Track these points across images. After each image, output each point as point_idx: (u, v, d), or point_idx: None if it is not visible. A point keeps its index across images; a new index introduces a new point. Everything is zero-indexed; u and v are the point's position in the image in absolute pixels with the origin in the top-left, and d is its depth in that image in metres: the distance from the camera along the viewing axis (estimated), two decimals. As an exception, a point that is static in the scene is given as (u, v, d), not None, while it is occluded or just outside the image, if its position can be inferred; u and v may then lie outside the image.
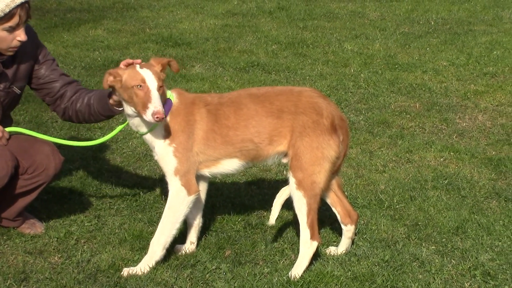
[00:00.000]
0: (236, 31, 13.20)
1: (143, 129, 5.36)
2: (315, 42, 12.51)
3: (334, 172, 5.52)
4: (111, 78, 5.26)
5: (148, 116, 5.11)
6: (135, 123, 5.37)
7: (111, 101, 5.69)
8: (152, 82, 5.15)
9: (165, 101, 5.28)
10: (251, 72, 10.63)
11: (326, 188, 5.50)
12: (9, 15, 5.38)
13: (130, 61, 5.38)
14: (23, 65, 5.78)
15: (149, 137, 5.39)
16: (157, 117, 5.07)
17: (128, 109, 5.32)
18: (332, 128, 5.40)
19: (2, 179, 5.50)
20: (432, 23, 14.19)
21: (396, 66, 11.12)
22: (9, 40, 5.49)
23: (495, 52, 11.93)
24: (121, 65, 5.39)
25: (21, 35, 5.49)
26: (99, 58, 11.05)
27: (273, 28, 13.51)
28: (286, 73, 10.66)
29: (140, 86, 5.15)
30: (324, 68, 10.95)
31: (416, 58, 11.62)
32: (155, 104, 5.09)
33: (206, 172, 5.51)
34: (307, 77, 10.46)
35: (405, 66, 11.09)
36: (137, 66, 5.24)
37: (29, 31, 5.68)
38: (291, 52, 11.84)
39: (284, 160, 5.55)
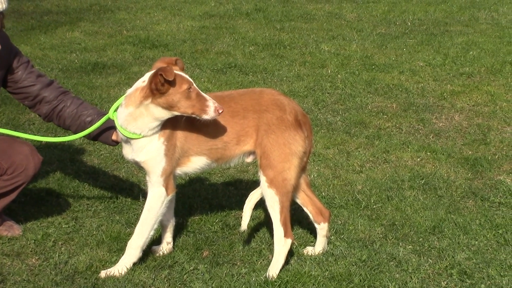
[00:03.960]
0: (214, 33, 13.20)
1: (147, 132, 5.30)
2: (292, 44, 12.53)
3: (302, 169, 5.54)
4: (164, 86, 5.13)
5: (211, 114, 5.13)
6: (142, 126, 5.26)
7: (114, 136, 5.79)
8: (193, 82, 5.19)
9: None
10: (228, 74, 10.63)
11: (297, 184, 5.51)
12: None
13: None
14: None
15: (144, 139, 5.33)
16: (221, 111, 5.13)
17: (160, 115, 5.22)
18: (296, 123, 5.42)
19: None
20: (409, 24, 14.24)
21: (373, 67, 11.15)
22: None
23: (471, 53, 11.98)
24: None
25: None
26: (76, 60, 11.02)
27: (250, 30, 13.51)
28: (264, 74, 10.67)
29: (190, 89, 5.14)
30: (301, 69, 10.97)
31: (393, 58, 11.65)
32: (212, 100, 5.15)
33: (178, 170, 5.50)
34: (284, 78, 10.47)
35: (382, 67, 11.12)
36: (174, 69, 5.17)
37: (2, 36, 5.65)
38: (268, 54, 11.85)
39: (248, 160, 5.57)
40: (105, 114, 5.67)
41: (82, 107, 5.93)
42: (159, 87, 5.08)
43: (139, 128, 5.24)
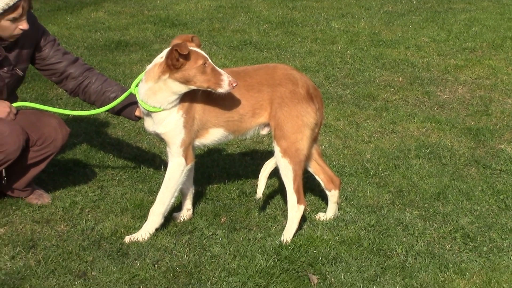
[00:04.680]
0: (230, 12, 13.15)
1: (166, 106, 5.28)
2: (304, 21, 12.47)
3: (314, 139, 5.53)
4: (179, 61, 5.11)
5: (225, 87, 5.12)
6: (161, 100, 5.25)
7: (137, 112, 5.81)
8: (209, 58, 5.16)
9: None
10: (244, 50, 10.60)
11: (309, 154, 5.50)
12: (13, 7, 5.33)
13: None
14: (25, 48, 5.74)
15: (163, 112, 5.31)
16: (235, 85, 5.12)
17: (177, 89, 5.20)
18: (308, 96, 5.41)
19: (14, 152, 5.50)
20: (414, 2, 14.15)
21: (381, 43, 11.09)
22: (12, 29, 5.45)
23: (473, 29, 11.90)
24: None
25: (23, 24, 5.46)
26: (100, 39, 11.01)
27: (264, 9, 13.46)
28: (277, 50, 10.64)
29: (205, 64, 5.12)
30: (312, 46, 10.93)
31: (399, 35, 11.59)
32: (227, 74, 5.14)
33: (197, 142, 5.49)
34: (297, 54, 10.44)
35: (389, 43, 11.07)
36: (191, 46, 5.14)
37: (29, 16, 5.63)
38: (281, 31, 11.80)
39: (263, 132, 5.56)
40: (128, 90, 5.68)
41: (107, 84, 5.93)
42: (175, 62, 5.08)
43: (158, 102, 5.23)
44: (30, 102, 6.02)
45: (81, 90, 5.95)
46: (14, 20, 5.40)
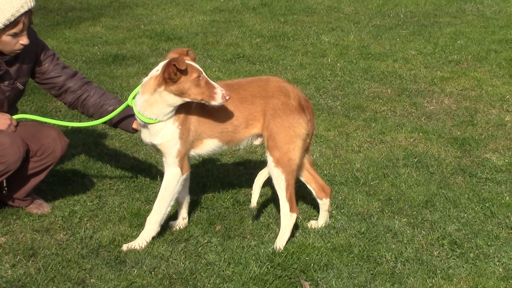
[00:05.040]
0: (223, 26, 13.16)
1: (162, 117, 5.27)
2: (295, 35, 12.48)
3: (305, 149, 5.53)
4: (177, 75, 5.11)
5: (218, 100, 5.12)
6: (157, 112, 5.24)
7: (134, 125, 5.80)
8: (203, 71, 5.16)
9: None
10: (237, 63, 10.60)
11: (301, 164, 5.51)
12: (14, 23, 5.33)
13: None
14: (25, 62, 5.73)
15: (160, 124, 5.30)
16: (228, 98, 5.12)
17: (173, 101, 5.19)
18: (300, 108, 5.41)
19: (15, 163, 5.49)
20: (401, 16, 14.18)
21: (369, 55, 11.11)
22: (13, 44, 5.44)
23: (459, 42, 11.93)
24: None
25: (24, 40, 5.45)
26: (98, 53, 11.00)
27: (257, 23, 13.47)
28: (269, 63, 10.64)
29: (200, 77, 5.12)
30: (303, 59, 10.93)
31: (387, 48, 11.61)
32: (220, 88, 5.13)
33: (192, 152, 5.48)
34: (288, 67, 10.44)
35: (377, 56, 11.08)
36: (185, 60, 5.13)
37: (29, 31, 5.63)
38: (273, 45, 11.81)
39: (256, 142, 5.56)
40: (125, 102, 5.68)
41: (105, 97, 5.93)
42: (172, 76, 5.08)
43: (154, 113, 5.22)
44: (30, 114, 6.01)
45: (79, 103, 5.94)
46: (15, 35, 5.39)
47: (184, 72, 5.08)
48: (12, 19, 5.29)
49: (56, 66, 5.91)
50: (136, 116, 5.36)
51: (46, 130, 5.79)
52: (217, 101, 5.12)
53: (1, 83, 5.63)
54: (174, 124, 5.29)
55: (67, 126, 7.06)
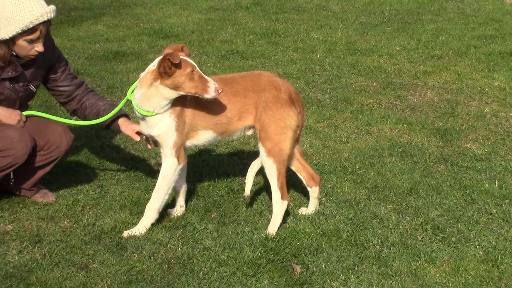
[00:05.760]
0: (218, 24, 13.11)
1: (159, 110, 5.25)
2: (286, 32, 12.45)
3: (296, 140, 5.51)
4: (171, 69, 5.10)
5: (211, 93, 5.09)
6: (154, 105, 5.22)
7: (127, 131, 5.82)
8: (197, 67, 5.12)
9: None
10: (231, 59, 10.57)
11: (291, 154, 5.49)
12: (32, 30, 5.29)
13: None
14: (40, 68, 5.72)
15: (157, 116, 5.28)
16: (220, 91, 5.09)
17: (168, 94, 5.17)
18: (290, 101, 5.40)
19: (21, 156, 5.48)
20: (386, 14, 14.15)
21: (356, 51, 11.08)
22: (28, 49, 5.40)
23: (440, 38, 11.91)
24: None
25: (39, 47, 5.41)
26: (99, 50, 10.95)
27: (250, 21, 13.43)
28: (262, 59, 10.61)
29: (193, 72, 5.09)
30: (294, 55, 10.90)
31: (373, 44, 11.58)
32: (213, 81, 5.10)
33: (188, 143, 5.46)
34: (280, 62, 10.41)
35: (364, 51, 11.06)
36: (181, 54, 5.12)
37: (48, 39, 5.63)
38: (265, 41, 11.77)
39: (248, 133, 5.55)
40: (117, 105, 5.71)
41: (99, 100, 5.95)
42: (167, 70, 5.06)
43: (151, 106, 5.20)
44: (37, 111, 5.97)
45: (79, 109, 5.96)
46: (31, 41, 5.36)
47: (178, 66, 5.06)
48: (31, 26, 5.25)
49: (67, 77, 5.92)
50: (134, 109, 5.34)
51: (52, 126, 5.78)
52: (210, 94, 5.10)
53: (16, 84, 5.61)
54: (171, 116, 5.26)
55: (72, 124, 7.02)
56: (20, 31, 5.27)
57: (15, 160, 5.48)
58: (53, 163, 5.84)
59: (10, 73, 5.53)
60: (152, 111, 5.23)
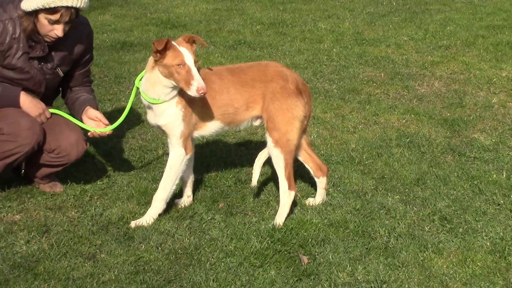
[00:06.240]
0: (225, 14, 13.10)
1: (164, 97, 5.23)
2: (294, 22, 12.43)
3: (303, 130, 5.50)
4: (157, 55, 5.09)
5: (193, 92, 5.00)
6: (158, 92, 5.21)
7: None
8: (190, 61, 5.05)
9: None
10: (238, 49, 10.56)
11: (299, 144, 5.48)
12: (52, 10, 5.27)
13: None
14: (71, 54, 5.73)
15: (163, 105, 5.27)
16: (202, 92, 4.99)
17: (165, 82, 5.16)
18: (297, 91, 5.39)
19: (24, 146, 5.47)
20: (394, 4, 14.12)
21: (364, 41, 11.06)
22: (47, 29, 5.39)
23: (448, 28, 11.88)
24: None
25: (58, 31, 5.38)
26: (107, 40, 10.95)
27: (257, 11, 13.41)
28: (269, 49, 10.59)
29: (181, 66, 5.05)
30: (301, 45, 10.89)
31: (381, 34, 11.56)
32: (198, 81, 5.00)
33: (195, 133, 5.46)
34: (287, 53, 10.40)
35: (371, 42, 11.03)
36: (176, 45, 5.08)
37: (89, 34, 5.81)
38: (273, 31, 11.76)
39: (255, 123, 5.54)
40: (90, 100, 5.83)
41: (85, 92, 5.94)
42: (153, 54, 5.07)
43: (156, 93, 5.20)
44: (63, 111, 5.89)
45: (69, 99, 5.97)
46: (52, 22, 5.34)
47: (161, 52, 5.04)
48: (52, 5, 5.24)
49: (85, 74, 5.97)
50: (141, 97, 5.33)
51: (67, 133, 5.70)
52: (191, 92, 5.03)
53: (44, 65, 5.61)
54: (177, 106, 5.25)
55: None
56: (42, 7, 5.25)
57: (18, 148, 5.47)
58: (61, 166, 5.81)
59: (38, 52, 5.52)
60: (158, 98, 5.22)
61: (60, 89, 6.04)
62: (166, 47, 5.05)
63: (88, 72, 6.02)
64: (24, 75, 5.56)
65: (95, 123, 5.68)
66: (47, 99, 5.86)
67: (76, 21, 5.49)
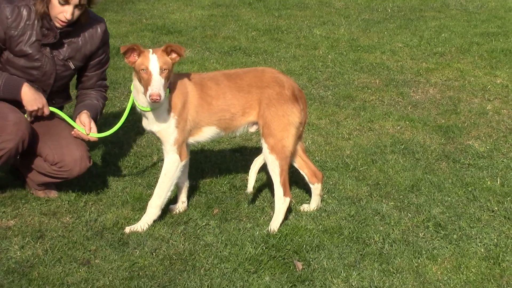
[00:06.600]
0: (221, 20, 13.11)
1: (151, 105, 5.24)
2: (289, 29, 12.44)
3: (298, 137, 5.51)
4: (130, 59, 5.16)
5: (147, 97, 5.04)
6: (142, 99, 5.23)
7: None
8: (154, 67, 5.06)
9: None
10: (234, 55, 10.57)
11: (294, 151, 5.49)
12: None
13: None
14: (85, 47, 5.73)
15: (155, 111, 5.29)
16: (151, 99, 5.00)
17: (140, 88, 5.20)
18: (293, 97, 5.40)
19: (10, 141, 5.38)
20: (389, 10, 14.14)
21: (359, 48, 11.07)
22: (58, 11, 5.40)
23: (443, 35, 11.90)
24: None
25: (67, 13, 5.40)
26: (102, 45, 10.95)
27: (252, 17, 13.43)
28: (264, 55, 10.60)
29: (144, 70, 5.07)
30: (296, 51, 10.90)
31: (376, 41, 11.58)
32: (153, 87, 5.00)
33: (191, 139, 5.47)
34: (282, 59, 10.41)
35: (366, 48, 11.05)
36: (150, 51, 5.11)
37: (104, 32, 5.81)
38: (268, 38, 11.77)
39: (251, 129, 5.55)
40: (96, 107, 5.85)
41: (94, 96, 5.95)
42: (125, 59, 5.16)
43: (141, 101, 5.26)
44: (63, 112, 5.87)
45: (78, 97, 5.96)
46: (62, 3, 5.35)
47: (125, 55, 5.12)
48: None
49: (101, 75, 5.98)
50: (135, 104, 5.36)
51: (73, 148, 5.66)
52: (146, 97, 5.07)
53: (56, 55, 5.61)
54: (170, 114, 5.27)
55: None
56: None
57: (2, 144, 5.37)
58: (62, 179, 5.77)
59: (50, 39, 5.52)
60: (146, 106, 5.24)
61: (71, 93, 6.04)
62: (129, 52, 5.12)
63: (103, 75, 6.00)
64: (34, 62, 5.54)
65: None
66: (55, 98, 5.82)
67: (88, 12, 5.56)
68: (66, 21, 5.42)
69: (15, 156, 5.54)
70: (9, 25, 5.44)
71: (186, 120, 5.33)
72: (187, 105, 5.31)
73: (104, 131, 5.82)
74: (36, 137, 5.65)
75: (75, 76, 5.95)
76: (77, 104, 5.87)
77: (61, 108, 5.92)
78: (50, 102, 5.73)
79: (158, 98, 4.98)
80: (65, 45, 5.63)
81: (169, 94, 5.26)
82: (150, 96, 4.99)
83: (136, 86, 5.25)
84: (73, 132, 5.62)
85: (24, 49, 5.49)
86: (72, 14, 5.41)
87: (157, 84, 5.02)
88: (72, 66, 5.72)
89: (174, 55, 5.18)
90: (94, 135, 5.64)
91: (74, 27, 5.58)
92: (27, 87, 5.49)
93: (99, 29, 5.77)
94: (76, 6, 5.40)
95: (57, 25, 5.49)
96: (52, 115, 5.69)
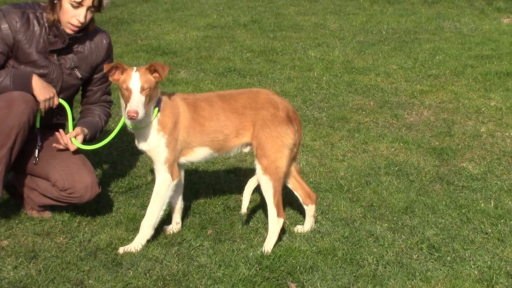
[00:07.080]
0: (216, 41, 13.15)
1: (141, 123, 5.27)
2: (284, 50, 12.48)
3: (292, 158, 5.52)
4: (114, 77, 5.21)
5: (125, 114, 5.09)
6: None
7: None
8: (135, 85, 5.09)
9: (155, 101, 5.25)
10: (228, 77, 10.59)
11: (288, 172, 5.50)
12: None
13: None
14: (91, 58, 5.75)
15: (144, 131, 5.31)
16: (128, 115, 5.03)
17: (124, 105, 5.23)
18: (288, 119, 5.42)
19: (20, 115, 5.30)
20: (384, 32, 14.20)
21: (353, 70, 11.11)
22: (70, 15, 5.42)
23: (437, 57, 11.95)
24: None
25: (80, 16, 5.43)
26: (97, 66, 10.98)
27: (247, 39, 13.47)
28: (259, 77, 10.63)
29: (125, 88, 5.10)
30: (291, 72, 10.93)
31: (370, 63, 11.62)
32: (131, 104, 5.04)
33: (183, 159, 5.48)
34: (277, 80, 10.44)
35: (361, 70, 11.09)
36: (134, 69, 5.15)
37: (109, 44, 5.84)
38: (263, 59, 11.81)
39: (245, 150, 5.56)
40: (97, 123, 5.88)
41: (97, 113, 5.96)
42: (109, 77, 5.24)
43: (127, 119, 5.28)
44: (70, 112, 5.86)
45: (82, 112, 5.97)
46: (75, 6, 5.38)
47: (109, 73, 5.20)
48: None
49: (105, 89, 6.00)
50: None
51: (84, 175, 5.64)
52: (124, 114, 5.14)
53: (63, 62, 5.62)
54: (159, 133, 5.30)
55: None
56: None
57: (14, 119, 5.30)
58: (69, 204, 5.79)
59: (58, 45, 5.54)
60: (134, 125, 5.27)
61: (74, 110, 6.06)
62: (112, 70, 5.18)
63: (108, 89, 6.02)
64: (41, 70, 5.54)
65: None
66: (60, 114, 5.81)
67: (94, 19, 5.62)
68: (80, 24, 5.46)
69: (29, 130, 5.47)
70: (18, 29, 5.46)
71: (177, 140, 5.34)
72: (178, 125, 5.33)
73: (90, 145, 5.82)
74: (43, 160, 5.67)
75: (80, 91, 5.97)
76: (79, 120, 5.89)
77: (63, 126, 5.93)
78: (54, 118, 5.75)
79: (135, 115, 5.01)
80: (72, 54, 5.66)
81: (159, 113, 5.29)
82: (127, 112, 5.03)
83: (121, 104, 5.28)
84: (56, 133, 5.64)
85: (31, 56, 5.50)
86: (85, 17, 5.45)
87: (136, 101, 5.05)
88: (79, 75, 5.73)
89: (157, 74, 5.20)
90: (76, 143, 5.63)
91: (81, 34, 5.61)
92: (36, 77, 5.45)
93: (104, 40, 5.81)
94: (88, 8, 5.43)
95: (68, 31, 5.51)
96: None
